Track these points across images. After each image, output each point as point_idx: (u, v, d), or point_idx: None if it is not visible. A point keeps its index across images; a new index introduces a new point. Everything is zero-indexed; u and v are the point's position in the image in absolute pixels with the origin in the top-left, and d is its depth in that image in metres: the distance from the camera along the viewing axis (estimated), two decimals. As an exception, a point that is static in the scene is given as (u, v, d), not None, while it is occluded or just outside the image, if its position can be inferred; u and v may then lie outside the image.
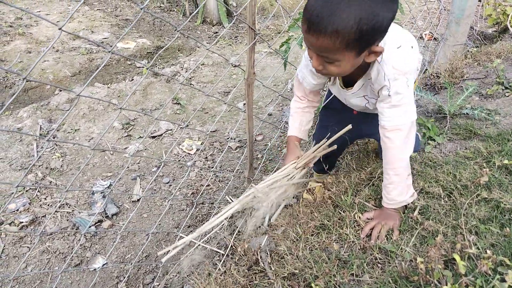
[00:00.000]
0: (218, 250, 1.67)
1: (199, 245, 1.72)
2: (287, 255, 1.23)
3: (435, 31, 3.47)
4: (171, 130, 2.75)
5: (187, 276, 1.59)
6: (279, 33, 4.38)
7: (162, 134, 2.70)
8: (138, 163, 2.43)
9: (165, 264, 1.72)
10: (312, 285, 1.05)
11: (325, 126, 1.47)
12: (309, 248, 1.23)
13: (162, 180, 2.29)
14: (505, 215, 1.10)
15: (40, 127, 2.63)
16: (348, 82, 1.21)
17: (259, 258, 1.27)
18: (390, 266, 1.06)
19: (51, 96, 3.01)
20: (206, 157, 2.48)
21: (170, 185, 2.26)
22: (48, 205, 2.06)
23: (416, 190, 1.26)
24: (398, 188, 1.16)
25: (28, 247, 1.83)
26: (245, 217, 1.58)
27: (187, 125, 2.69)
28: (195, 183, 2.26)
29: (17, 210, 1.99)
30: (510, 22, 2.94)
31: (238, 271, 1.27)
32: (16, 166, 2.30)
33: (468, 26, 2.62)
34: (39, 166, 2.32)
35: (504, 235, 1.02)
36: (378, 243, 1.14)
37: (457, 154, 1.47)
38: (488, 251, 0.91)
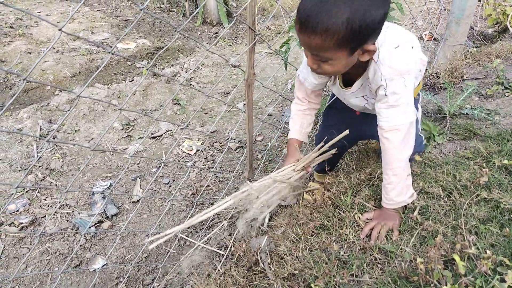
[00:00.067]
0: (218, 251, 1.67)
1: (198, 245, 1.72)
2: (287, 256, 1.23)
3: (435, 31, 3.47)
4: (171, 130, 2.75)
5: (187, 276, 1.59)
6: (279, 33, 4.38)
7: (162, 135, 2.71)
8: (138, 163, 2.43)
9: (165, 264, 1.72)
10: (312, 285, 1.05)
11: (328, 126, 1.47)
12: (308, 249, 1.23)
13: (162, 180, 2.29)
14: (504, 215, 1.10)
15: (40, 128, 2.63)
16: (348, 82, 1.21)
17: (259, 258, 1.27)
18: (389, 266, 1.06)
19: (51, 96, 3.01)
20: (206, 158, 2.48)
21: (170, 186, 2.26)
22: (48, 206, 2.06)
23: (416, 190, 1.26)
24: (397, 188, 1.16)
25: (28, 248, 1.83)
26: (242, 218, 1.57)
27: (187, 126, 2.69)
28: (195, 184, 2.26)
29: (17, 211, 1.99)
30: (510, 22, 2.94)
31: (238, 272, 1.27)
32: (16, 166, 2.30)
33: (468, 26, 2.62)
34: (39, 166, 2.32)
35: (503, 235, 1.02)
36: (378, 243, 1.14)
37: (457, 154, 1.47)
38: (488, 251, 0.91)
